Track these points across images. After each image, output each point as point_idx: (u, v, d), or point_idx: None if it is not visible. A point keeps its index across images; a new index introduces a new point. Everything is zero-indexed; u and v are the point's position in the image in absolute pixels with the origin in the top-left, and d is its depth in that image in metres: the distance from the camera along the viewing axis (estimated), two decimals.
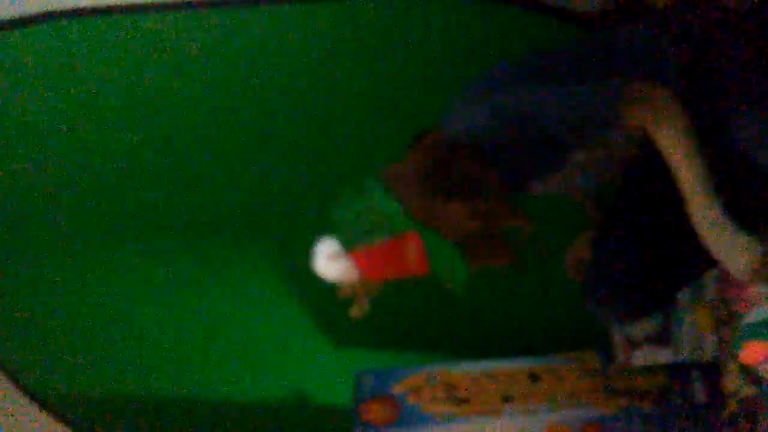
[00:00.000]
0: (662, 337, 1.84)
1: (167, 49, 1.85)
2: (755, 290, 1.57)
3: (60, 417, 2.30)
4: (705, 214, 1.20)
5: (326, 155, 1.98)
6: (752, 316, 1.54)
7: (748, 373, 1.61)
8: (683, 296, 1.81)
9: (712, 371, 1.73)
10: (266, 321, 2.25)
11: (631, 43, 1.30)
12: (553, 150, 1.31)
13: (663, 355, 1.81)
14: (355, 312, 1.34)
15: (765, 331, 1.50)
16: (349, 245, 1.29)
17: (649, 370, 1.82)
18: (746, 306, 1.57)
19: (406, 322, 2.22)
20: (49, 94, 1.90)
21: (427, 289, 2.14)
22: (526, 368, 1.98)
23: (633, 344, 1.87)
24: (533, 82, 1.28)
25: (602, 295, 1.42)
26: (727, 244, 1.21)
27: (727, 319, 1.69)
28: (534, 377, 1.96)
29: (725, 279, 1.71)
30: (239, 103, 1.92)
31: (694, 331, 1.77)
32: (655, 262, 1.43)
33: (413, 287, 2.15)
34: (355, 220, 1.30)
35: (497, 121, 1.26)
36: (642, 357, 1.85)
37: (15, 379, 2.26)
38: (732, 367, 1.65)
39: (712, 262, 1.53)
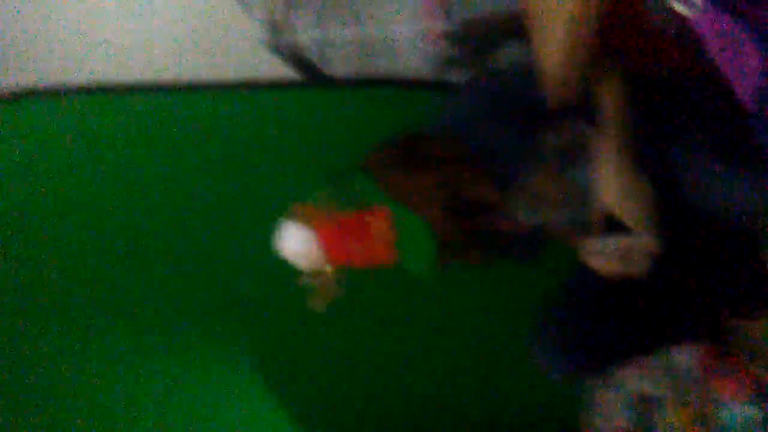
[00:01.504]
0: None
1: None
2: (737, 387, 1.55)
3: None
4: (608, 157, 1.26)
5: None
6: (738, 414, 1.52)
7: None
8: (660, 393, 1.78)
9: None
10: (215, 407, 2.16)
11: None
12: (526, 130, 1.35)
13: None
14: (315, 303, 1.27)
15: (753, 429, 1.48)
16: (316, 216, 1.26)
17: None
18: (731, 402, 1.55)
19: (368, 407, 2.15)
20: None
21: (397, 380, 2.12)
22: None
23: None
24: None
25: (553, 343, 1.41)
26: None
27: (706, 419, 1.66)
28: None
29: (705, 376, 1.69)
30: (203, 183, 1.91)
31: (672, 431, 1.73)
32: (616, 323, 1.44)
33: (385, 377, 2.11)
34: (325, 195, 1.28)
35: (481, 103, 1.36)
36: None
37: None
38: None
39: (675, 338, 1.55)
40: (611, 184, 1.25)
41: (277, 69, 1.65)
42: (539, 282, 1.62)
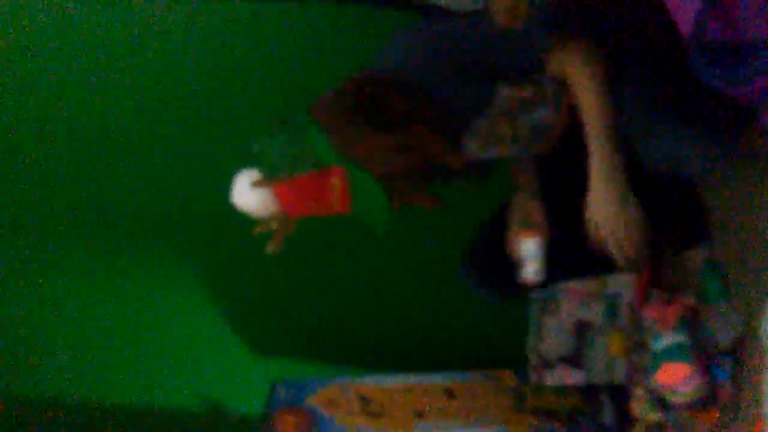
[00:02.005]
0: (575, 359, 1.86)
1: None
2: (670, 315, 1.60)
3: None
4: (601, 165, 1.20)
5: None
6: (666, 339, 1.58)
7: (656, 398, 1.65)
8: (597, 319, 1.85)
9: (621, 395, 1.76)
10: (181, 325, 2.19)
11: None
12: (481, 81, 1.31)
13: (575, 377, 1.83)
14: (271, 248, 1.30)
15: (680, 354, 1.54)
16: (272, 175, 1.26)
17: (561, 391, 1.84)
18: (661, 328, 1.60)
19: (325, 331, 2.19)
20: None
21: (348, 297, 2.15)
22: (441, 384, 1.98)
23: (546, 364, 1.89)
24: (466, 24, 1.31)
25: (485, 266, 1.45)
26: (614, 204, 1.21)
27: (638, 344, 1.72)
28: (449, 393, 1.96)
29: (638, 304, 1.74)
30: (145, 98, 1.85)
31: (606, 354, 1.80)
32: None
33: (335, 293, 2.14)
34: (280, 151, 1.27)
35: (431, 51, 1.28)
36: (554, 377, 1.87)
37: None
38: (640, 392, 1.68)
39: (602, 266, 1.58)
40: (603, 212, 1.21)
41: None
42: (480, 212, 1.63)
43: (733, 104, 0.97)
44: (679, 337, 1.55)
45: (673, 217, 1.55)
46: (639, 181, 1.46)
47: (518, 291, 1.52)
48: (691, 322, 1.55)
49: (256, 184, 1.27)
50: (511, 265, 1.47)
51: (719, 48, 0.89)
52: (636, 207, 1.21)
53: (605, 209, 1.21)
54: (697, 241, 1.56)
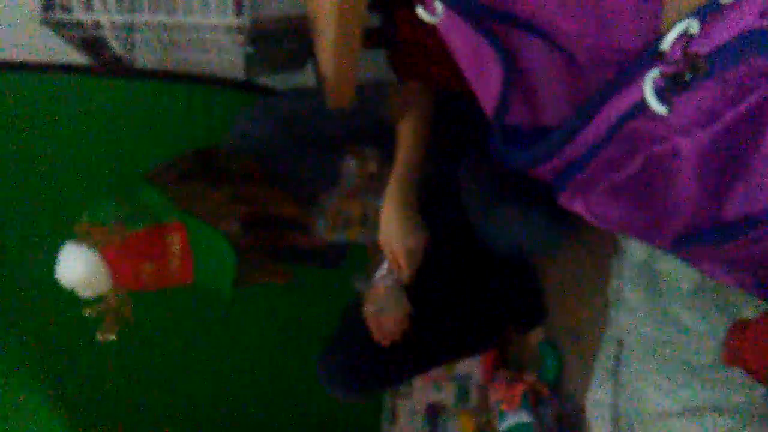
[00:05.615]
0: None
1: None
2: (514, 394, 1.60)
3: None
4: (391, 195, 1.23)
5: None
6: (511, 419, 1.57)
7: None
8: (449, 401, 1.83)
9: None
10: None
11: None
12: (329, 153, 1.32)
13: None
14: (103, 334, 1.14)
15: None
16: (101, 240, 1.12)
17: None
18: (507, 408, 1.59)
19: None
20: None
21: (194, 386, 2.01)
22: None
23: None
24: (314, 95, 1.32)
25: (336, 364, 1.39)
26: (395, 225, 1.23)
27: (487, 424, 1.71)
28: None
29: (487, 385, 1.74)
30: None
31: None
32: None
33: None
34: (111, 212, 1.15)
35: (279, 124, 1.28)
36: None
37: None
38: None
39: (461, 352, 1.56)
40: (390, 223, 1.22)
41: (63, 51, 1.48)
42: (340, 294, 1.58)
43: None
44: (523, 416, 1.55)
45: (514, 300, 1.58)
46: (483, 264, 1.49)
47: (378, 389, 1.46)
48: (534, 400, 1.56)
49: (85, 236, 1.13)
50: (373, 359, 1.41)
51: (520, 130, 0.91)
52: (420, 232, 1.23)
53: (393, 228, 1.23)
54: (537, 322, 1.59)
